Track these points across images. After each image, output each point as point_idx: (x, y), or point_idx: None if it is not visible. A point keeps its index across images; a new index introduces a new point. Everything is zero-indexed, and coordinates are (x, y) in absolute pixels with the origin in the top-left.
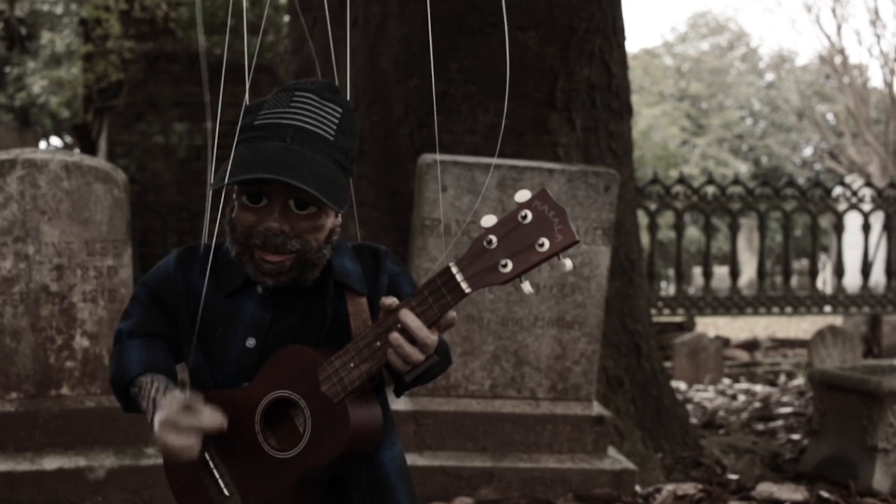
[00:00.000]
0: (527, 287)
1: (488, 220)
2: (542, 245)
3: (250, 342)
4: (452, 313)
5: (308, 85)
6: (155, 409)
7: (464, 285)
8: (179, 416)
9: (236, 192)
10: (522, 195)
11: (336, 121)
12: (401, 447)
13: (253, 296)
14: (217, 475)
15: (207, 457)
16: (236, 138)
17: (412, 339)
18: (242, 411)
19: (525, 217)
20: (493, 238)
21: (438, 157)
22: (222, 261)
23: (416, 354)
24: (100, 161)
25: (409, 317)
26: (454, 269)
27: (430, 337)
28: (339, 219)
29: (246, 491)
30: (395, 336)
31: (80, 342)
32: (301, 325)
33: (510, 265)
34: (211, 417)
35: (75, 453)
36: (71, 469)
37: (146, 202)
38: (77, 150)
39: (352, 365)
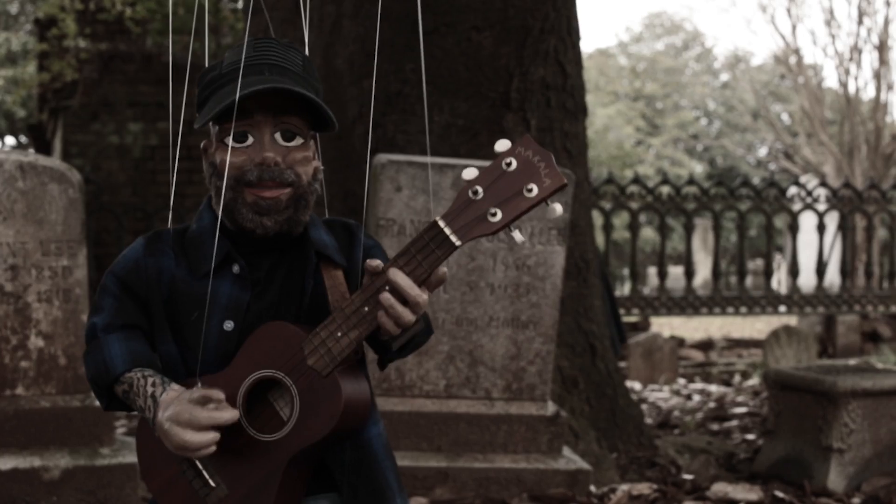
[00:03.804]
0: (518, 236)
1: (469, 173)
2: (530, 190)
3: (228, 325)
4: (443, 269)
5: (263, 37)
6: (156, 406)
7: (453, 238)
8: (197, 411)
9: (216, 137)
10: (503, 144)
11: (301, 62)
12: (384, 425)
13: (228, 276)
14: (200, 467)
15: None
16: (204, 93)
17: (403, 298)
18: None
19: (510, 164)
20: (479, 188)
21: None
22: (192, 243)
23: (408, 315)
24: (55, 161)
25: (398, 275)
26: (441, 223)
27: (421, 295)
28: (319, 162)
29: (232, 479)
30: (386, 296)
31: (35, 342)
32: (279, 303)
33: (499, 214)
34: (229, 411)
35: (30, 453)
36: (26, 469)
37: (101, 202)
38: (32, 150)
39: (339, 334)
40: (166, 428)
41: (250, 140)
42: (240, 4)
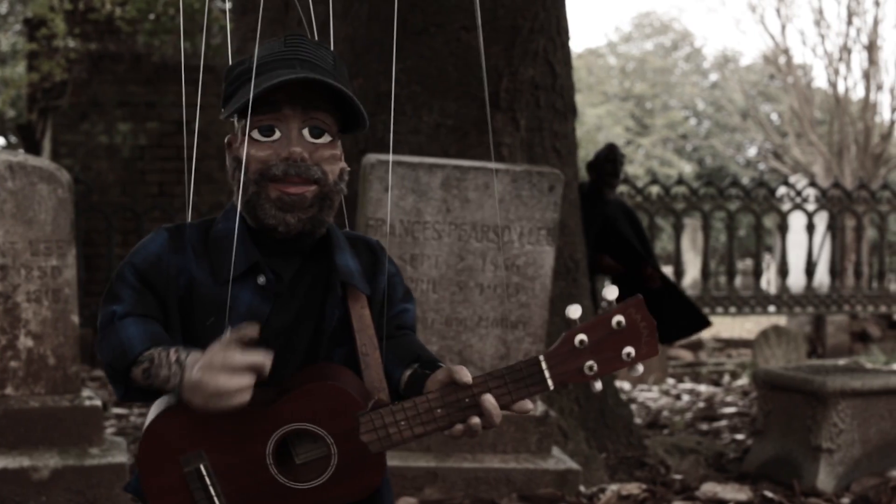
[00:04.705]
0: (598, 385)
1: (575, 312)
2: (628, 355)
3: None
4: (530, 404)
5: (294, 32)
6: (183, 369)
7: (549, 382)
8: (230, 354)
9: (242, 131)
10: (611, 293)
11: (332, 59)
12: None
13: (250, 285)
14: (213, 493)
15: (203, 470)
16: (231, 87)
17: (487, 423)
18: (251, 427)
19: (620, 325)
20: (586, 339)
21: (385, 156)
22: (216, 244)
23: (481, 432)
24: (44, 161)
25: (491, 404)
26: (543, 364)
27: (501, 418)
28: (346, 164)
29: None
30: (477, 423)
31: (24, 342)
32: (298, 320)
33: (595, 368)
34: (264, 354)
35: (19, 453)
36: (15, 469)
37: (90, 202)
38: (21, 150)
39: (403, 424)
40: (197, 378)
41: (277, 134)
42: (228, 5)
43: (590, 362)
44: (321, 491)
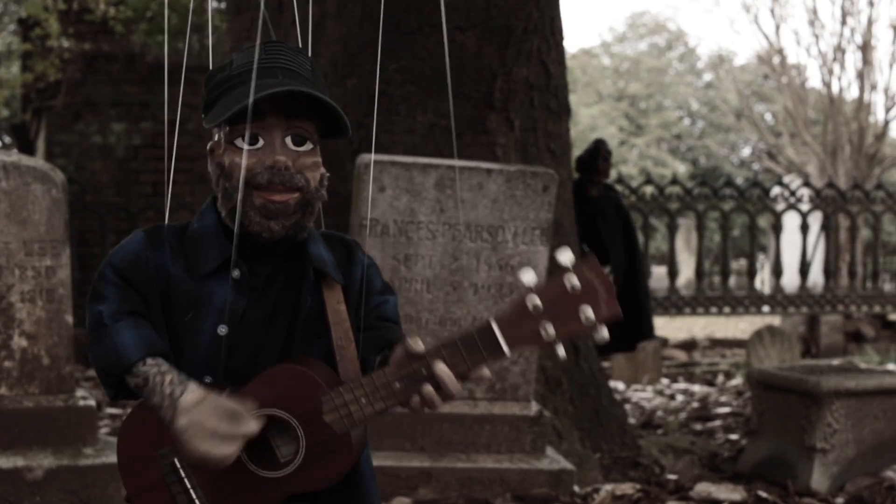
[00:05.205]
0: (560, 351)
1: (528, 277)
2: (587, 315)
3: (222, 329)
4: (487, 371)
5: (274, 41)
6: (176, 408)
7: (504, 346)
8: (220, 423)
9: (225, 138)
10: (566, 257)
11: (310, 66)
12: (367, 442)
13: (226, 280)
14: (189, 485)
15: (178, 463)
16: (213, 94)
17: (441, 389)
18: None
19: (573, 286)
20: (539, 302)
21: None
22: (191, 242)
23: (440, 404)
24: (38, 161)
25: (444, 371)
26: (495, 328)
27: (460, 389)
28: (325, 170)
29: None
30: (429, 390)
31: (19, 342)
32: (274, 313)
33: (552, 331)
34: (252, 424)
35: (13, 453)
36: (9, 469)
37: (84, 202)
38: (15, 151)
39: (364, 401)
40: (185, 437)
41: (261, 143)
42: (211, 4)
43: (545, 324)
44: (292, 478)
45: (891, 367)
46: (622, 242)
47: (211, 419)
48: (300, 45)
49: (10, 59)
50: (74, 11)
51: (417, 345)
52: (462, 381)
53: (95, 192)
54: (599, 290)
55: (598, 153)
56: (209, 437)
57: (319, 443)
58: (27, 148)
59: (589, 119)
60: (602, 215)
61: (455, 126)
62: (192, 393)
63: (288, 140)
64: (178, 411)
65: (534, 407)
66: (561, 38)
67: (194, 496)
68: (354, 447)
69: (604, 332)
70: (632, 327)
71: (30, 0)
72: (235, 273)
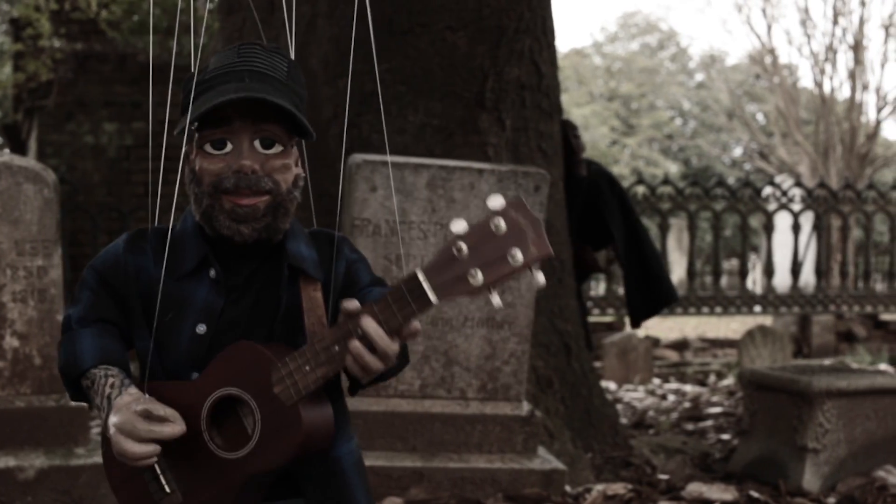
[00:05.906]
0: (496, 300)
1: (458, 226)
2: (514, 256)
3: (200, 328)
4: (417, 323)
5: (248, 42)
6: (110, 408)
7: (430, 295)
8: (138, 423)
9: (196, 144)
10: (495, 201)
11: (285, 68)
12: (357, 442)
13: (205, 280)
14: (158, 471)
15: None
16: (186, 99)
17: (373, 347)
18: (189, 406)
19: (498, 227)
20: (464, 246)
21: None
22: (173, 244)
23: (376, 364)
24: (30, 161)
25: (370, 325)
26: (421, 277)
27: (392, 346)
28: (301, 169)
29: (188, 489)
30: (356, 345)
31: (10, 342)
32: (253, 312)
33: (480, 276)
34: (171, 427)
35: (5, 453)
36: (0, 469)
37: (76, 202)
38: (7, 150)
39: (307, 368)
40: (111, 434)
41: (229, 147)
42: (206, 5)
43: (472, 269)
44: (250, 457)
45: (882, 367)
46: (620, 212)
47: (132, 419)
48: (292, 46)
49: (2, 60)
50: (66, 11)
51: (352, 304)
52: (396, 336)
53: (87, 192)
54: (527, 230)
55: (567, 134)
56: (128, 437)
57: (273, 417)
58: (19, 148)
59: (580, 119)
60: (597, 189)
61: (446, 126)
62: (126, 396)
63: (256, 143)
64: (111, 411)
65: (525, 407)
66: (552, 37)
67: (164, 481)
68: (304, 422)
69: (538, 277)
70: (648, 293)
71: (22, 0)
72: (212, 273)
